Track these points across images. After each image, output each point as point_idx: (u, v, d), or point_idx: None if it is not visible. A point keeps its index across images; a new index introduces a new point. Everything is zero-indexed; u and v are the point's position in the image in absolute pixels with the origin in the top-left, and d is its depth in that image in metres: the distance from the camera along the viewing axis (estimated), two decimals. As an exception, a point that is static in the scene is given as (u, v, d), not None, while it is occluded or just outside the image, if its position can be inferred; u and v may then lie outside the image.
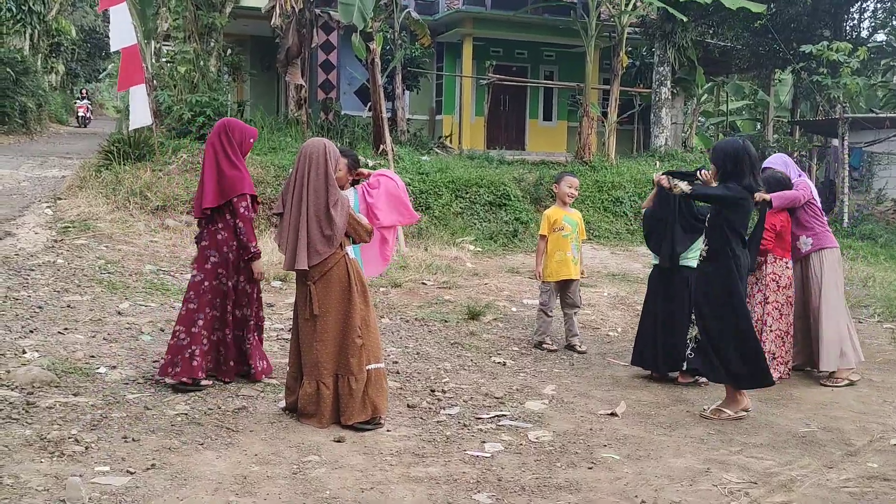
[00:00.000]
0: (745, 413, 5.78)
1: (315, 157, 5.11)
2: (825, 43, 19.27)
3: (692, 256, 6.47)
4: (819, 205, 7.11)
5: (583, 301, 8.37)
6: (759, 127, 30.39)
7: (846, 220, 17.55)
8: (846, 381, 6.88)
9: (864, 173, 23.86)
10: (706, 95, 28.63)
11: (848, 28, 24.34)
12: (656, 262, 6.84)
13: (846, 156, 18.50)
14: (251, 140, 5.95)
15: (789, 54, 22.78)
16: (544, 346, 7.72)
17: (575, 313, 7.88)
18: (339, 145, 5.66)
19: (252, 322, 5.93)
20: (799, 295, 7.01)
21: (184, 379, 5.63)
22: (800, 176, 7.14)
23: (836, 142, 21.22)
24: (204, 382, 5.73)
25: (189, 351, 5.65)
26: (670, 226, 6.63)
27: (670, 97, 20.96)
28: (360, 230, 5.24)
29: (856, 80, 20.62)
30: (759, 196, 6.27)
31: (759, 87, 27.64)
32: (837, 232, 16.19)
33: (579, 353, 7.66)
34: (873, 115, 21.44)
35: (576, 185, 7.83)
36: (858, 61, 20.59)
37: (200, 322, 5.71)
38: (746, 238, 5.74)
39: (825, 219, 7.13)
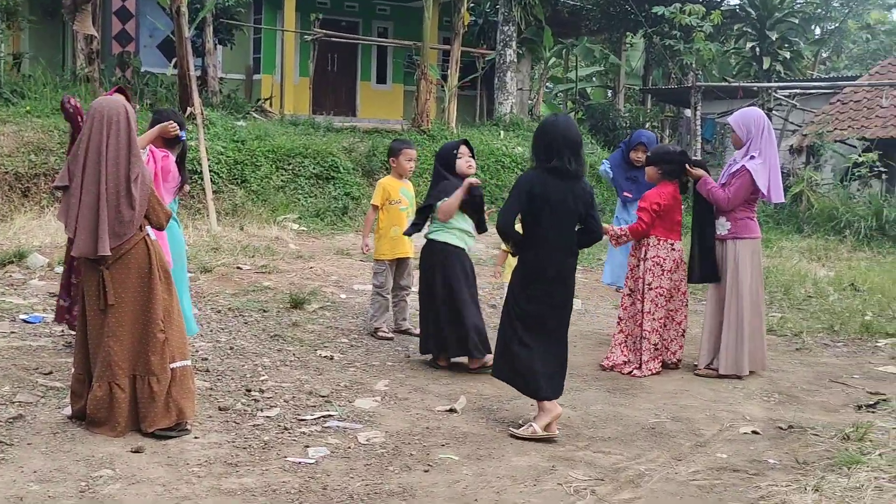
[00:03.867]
0: (556, 433, 5.44)
1: (115, 122, 4.90)
2: (678, 5, 20.15)
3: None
4: (760, 189, 6.93)
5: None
6: (609, 95, 31.55)
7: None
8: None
9: (717, 146, 25.21)
10: (554, 59, 29.41)
11: (702, -10, 25.55)
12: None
13: (699, 127, 19.43)
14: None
15: (641, 16, 23.78)
16: (380, 333, 7.79)
17: (407, 294, 8.07)
18: (137, 107, 5.49)
19: None
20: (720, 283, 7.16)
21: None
22: (751, 158, 6.95)
23: (688, 112, 22.32)
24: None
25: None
26: None
27: (516, 60, 21.44)
28: (160, 213, 5.08)
29: (709, 45, 21.71)
30: (694, 172, 7.11)
31: (610, 52, 28.66)
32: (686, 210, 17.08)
33: (414, 335, 7.75)
34: (726, 83, 22.66)
35: (415, 156, 8.01)
36: (712, 26, 21.71)
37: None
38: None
39: (754, 206, 7.16)
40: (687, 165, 7.16)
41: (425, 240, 7.08)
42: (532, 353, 5.48)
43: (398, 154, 7.90)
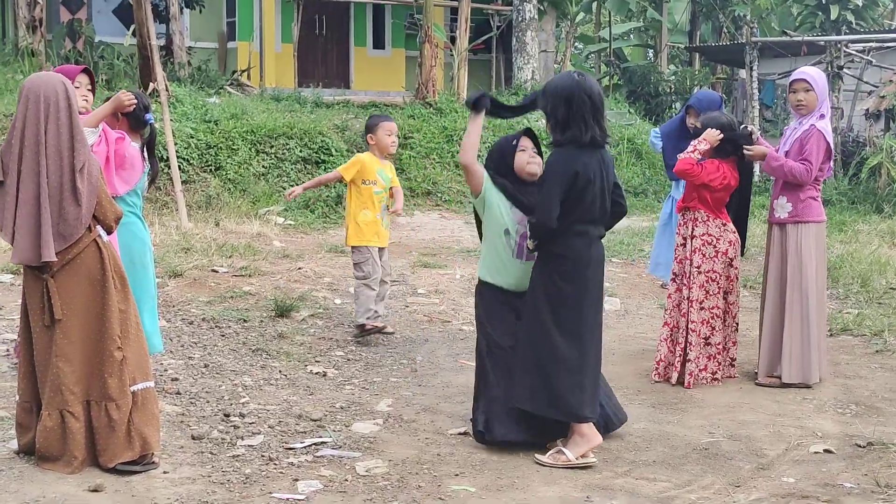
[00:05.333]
0: (592, 460, 5.44)
1: (54, 103, 4.91)
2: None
3: None
4: (832, 152, 7.05)
5: (429, 286, 8.50)
6: (650, 55, 31.45)
7: (757, 170, 18.40)
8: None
9: (779, 112, 25.06)
10: (583, 15, 29.39)
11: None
12: None
13: (756, 90, 19.32)
14: None
15: (685, -39, 23.66)
16: (366, 329, 7.96)
17: (386, 288, 8.34)
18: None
19: None
20: (777, 272, 7.19)
21: None
22: (821, 117, 7.02)
23: (743, 73, 22.21)
24: None
25: None
26: None
27: (537, 17, 21.40)
28: (109, 211, 5.08)
29: (765, -7, 21.52)
30: (753, 152, 6.93)
31: (649, 4, 28.58)
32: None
33: (387, 334, 8.08)
34: (787, 38, 22.51)
35: (395, 130, 8.23)
36: (768, -30, 21.54)
37: None
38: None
39: (820, 183, 7.16)
40: (744, 147, 7.10)
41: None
42: (571, 366, 5.45)
43: (375, 129, 8.14)
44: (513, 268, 5.73)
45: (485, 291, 5.90)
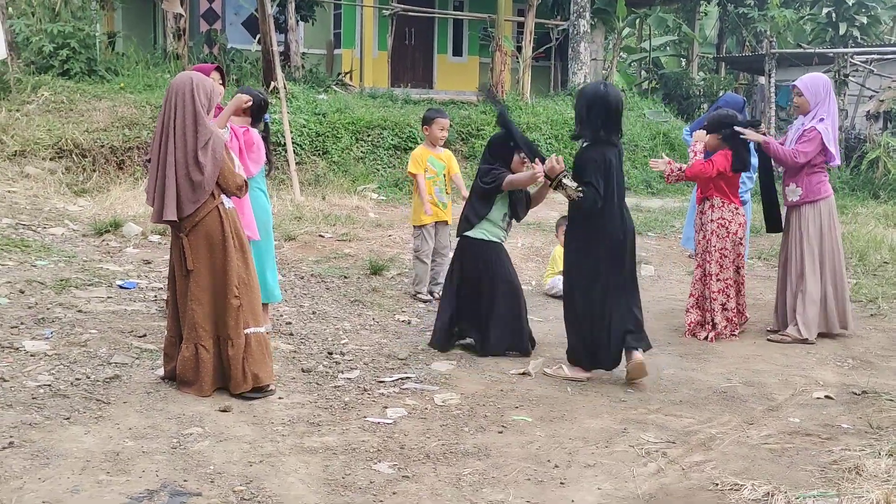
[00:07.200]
0: (586, 379, 5.82)
1: (181, 95, 4.99)
2: (752, -28, 19.48)
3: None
4: (830, 151, 6.90)
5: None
6: (683, 64, 30.95)
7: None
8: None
9: (792, 113, 24.58)
10: (628, 29, 28.93)
11: (776, -44, 24.83)
12: None
13: (773, 94, 18.98)
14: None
15: (715, -16, 23.17)
16: (419, 296, 7.91)
17: (442, 259, 8.01)
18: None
19: None
20: (796, 248, 7.07)
21: None
22: (820, 120, 6.88)
23: (763, 80, 21.77)
24: None
25: None
26: None
27: (589, 30, 21.11)
28: (230, 180, 5.12)
29: (783, 12, 21.09)
30: (752, 136, 6.81)
31: (684, 21, 28.06)
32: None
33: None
34: (801, 50, 21.99)
35: (447, 126, 7.97)
36: (786, -8, 21.00)
37: None
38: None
39: (824, 168, 7.04)
40: (740, 128, 6.88)
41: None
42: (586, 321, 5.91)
43: (431, 123, 7.88)
44: (502, 231, 6.46)
45: (489, 245, 6.39)
